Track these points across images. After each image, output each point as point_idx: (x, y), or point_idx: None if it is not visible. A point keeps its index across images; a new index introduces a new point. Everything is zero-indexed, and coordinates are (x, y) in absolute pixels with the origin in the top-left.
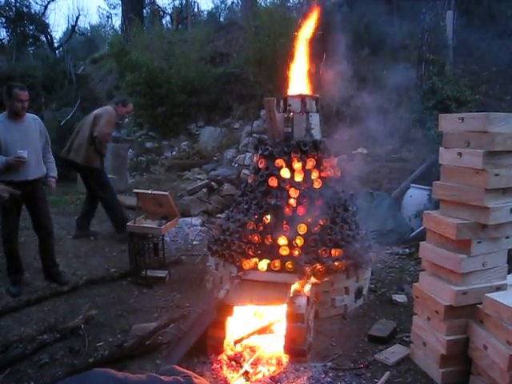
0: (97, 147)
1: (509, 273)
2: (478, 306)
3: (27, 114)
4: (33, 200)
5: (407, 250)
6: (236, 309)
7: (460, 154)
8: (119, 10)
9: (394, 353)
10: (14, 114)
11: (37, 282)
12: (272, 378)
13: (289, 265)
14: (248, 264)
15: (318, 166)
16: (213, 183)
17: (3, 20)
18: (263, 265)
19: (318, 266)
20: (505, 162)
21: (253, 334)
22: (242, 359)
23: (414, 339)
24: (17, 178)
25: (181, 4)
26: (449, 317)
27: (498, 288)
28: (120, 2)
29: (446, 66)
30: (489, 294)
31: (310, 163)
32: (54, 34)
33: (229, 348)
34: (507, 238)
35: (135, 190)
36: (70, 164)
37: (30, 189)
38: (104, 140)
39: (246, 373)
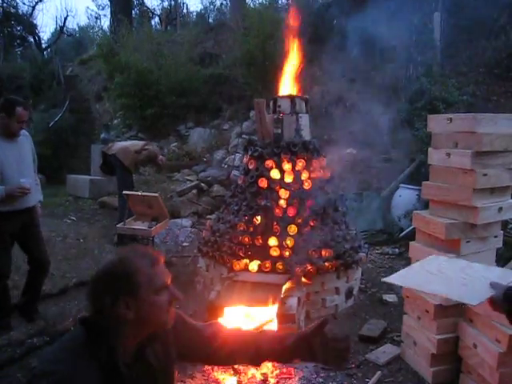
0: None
1: None
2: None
3: None
4: (30, 228)
5: (397, 250)
6: (227, 310)
7: (448, 154)
8: (108, 11)
9: (384, 352)
10: (10, 134)
11: None
12: (263, 378)
13: (279, 266)
14: (238, 265)
15: (308, 166)
16: (202, 184)
17: None
18: (254, 266)
19: (309, 267)
20: (492, 162)
21: None
22: None
23: (405, 338)
24: (19, 206)
25: (170, 5)
26: (439, 316)
27: None
28: (109, 2)
29: (433, 66)
30: None
31: (300, 164)
32: (41, 34)
33: None
34: (495, 237)
35: (125, 192)
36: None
37: (28, 216)
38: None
39: (238, 374)
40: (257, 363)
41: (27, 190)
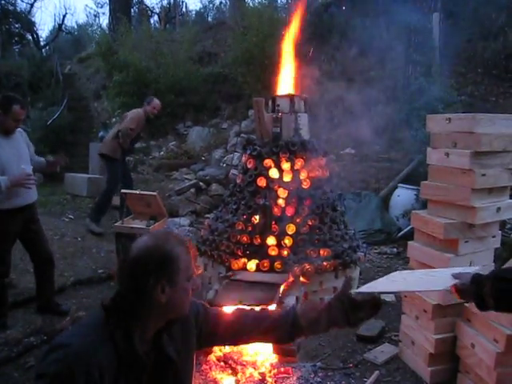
0: (120, 141)
1: None
2: (466, 304)
3: None
4: (32, 224)
5: (395, 250)
6: (225, 309)
7: (447, 154)
8: (107, 9)
9: (382, 352)
10: (5, 131)
11: (23, 284)
12: (261, 378)
13: (278, 265)
14: (237, 264)
15: (307, 166)
16: (201, 183)
17: None
18: (252, 265)
19: (307, 266)
20: (491, 162)
21: None
22: (230, 360)
23: (403, 338)
24: (21, 203)
25: (169, 3)
26: (437, 316)
27: None
28: (107, 1)
29: (432, 67)
30: None
31: (299, 163)
32: (40, 32)
33: (218, 349)
34: (494, 237)
35: (123, 191)
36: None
37: (29, 213)
38: (126, 134)
39: (236, 373)
40: (291, 338)
41: (31, 176)
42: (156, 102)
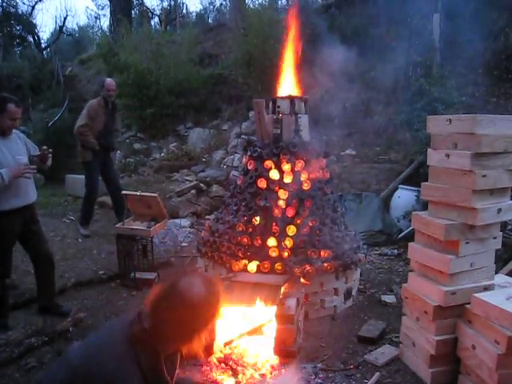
0: (80, 143)
1: (496, 273)
2: (467, 306)
3: None
4: (32, 225)
5: (396, 251)
6: (225, 310)
7: (448, 155)
8: (107, 11)
9: (383, 353)
10: (2, 131)
11: (24, 285)
12: (261, 379)
13: (278, 266)
14: (237, 265)
15: (307, 167)
16: (201, 185)
17: None
18: (252, 266)
19: (308, 268)
20: (492, 163)
21: (242, 335)
22: (231, 361)
23: (404, 339)
24: (20, 203)
25: (169, 5)
26: (437, 317)
27: (486, 288)
28: (108, 2)
29: (433, 67)
30: (477, 294)
31: (299, 164)
32: (41, 34)
33: (218, 350)
34: (494, 238)
35: (124, 192)
36: None
37: (29, 213)
38: (78, 133)
39: (236, 375)
40: None
41: (28, 166)
42: (107, 82)
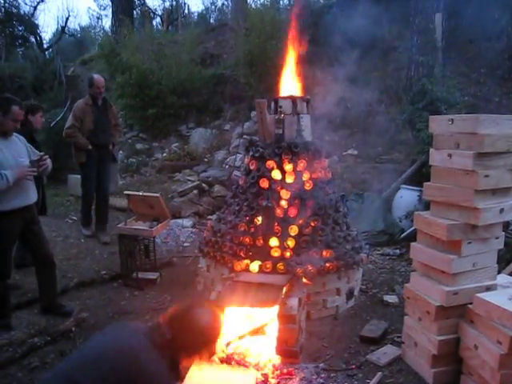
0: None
1: (498, 273)
2: (469, 306)
3: None
4: (33, 225)
5: (398, 251)
6: (227, 310)
7: (450, 155)
8: (109, 11)
9: (385, 353)
10: (4, 132)
11: (27, 285)
12: (264, 379)
13: (280, 266)
14: (239, 265)
15: (309, 167)
16: (204, 185)
17: None
18: (255, 266)
19: (310, 268)
20: (494, 163)
21: (244, 335)
22: (233, 361)
23: (406, 339)
24: (21, 204)
25: (171, 5)
26: (440, 317)
27: (488, 288)
28: (110, 3)
29: (435, 67)
30: (479, 294)
31: (301, 165)
32: (43, 35)
33: (220, 350)
34: (497, 238)
35: (126, 192)
36: None
37: (30, 214)
38: (67, 135)
39: None
40: None
41: (30, 168)
42: (95, 79)
